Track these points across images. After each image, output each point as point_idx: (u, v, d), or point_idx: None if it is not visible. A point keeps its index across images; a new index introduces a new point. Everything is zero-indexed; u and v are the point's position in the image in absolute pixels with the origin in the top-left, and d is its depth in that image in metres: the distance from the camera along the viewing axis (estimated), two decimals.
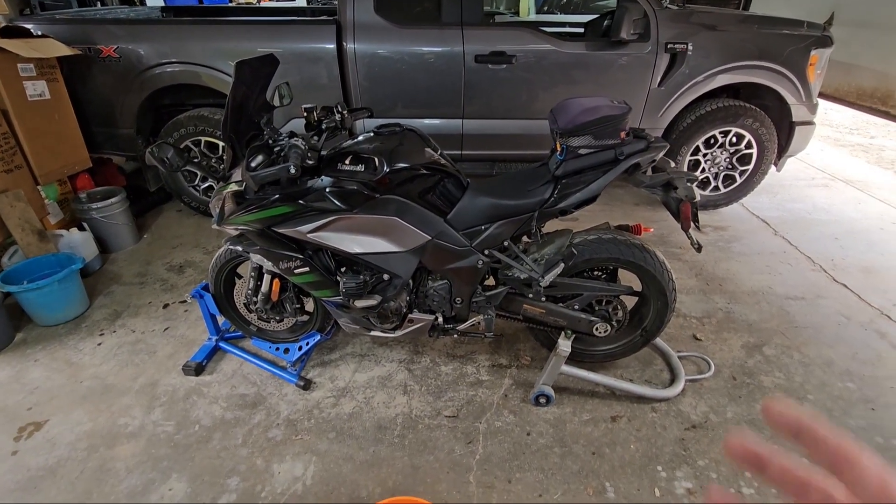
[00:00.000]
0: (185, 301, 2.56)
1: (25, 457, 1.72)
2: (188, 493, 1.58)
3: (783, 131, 3.22)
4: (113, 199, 2.92)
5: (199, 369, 2.06)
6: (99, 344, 2.27)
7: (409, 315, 1.82)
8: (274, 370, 2.05)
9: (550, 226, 1.82)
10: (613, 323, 1.81)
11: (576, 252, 1.67)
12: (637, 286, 1.84)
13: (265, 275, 1.87)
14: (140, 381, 2.05)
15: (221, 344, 2.18)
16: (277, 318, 2.01)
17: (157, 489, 1.59)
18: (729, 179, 3.36)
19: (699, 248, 1.65)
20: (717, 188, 3.38)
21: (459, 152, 3.20)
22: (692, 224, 1.59)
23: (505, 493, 1.57)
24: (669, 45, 2.87)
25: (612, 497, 1.55)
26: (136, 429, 1.82)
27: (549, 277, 1.62)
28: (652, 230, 1.86)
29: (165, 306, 2.53)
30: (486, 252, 1.68)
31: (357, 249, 1.61)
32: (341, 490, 1.59)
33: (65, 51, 2.75)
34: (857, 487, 0.25)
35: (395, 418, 1.85)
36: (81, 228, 2.79)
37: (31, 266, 2.42)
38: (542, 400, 1.87)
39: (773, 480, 0.28)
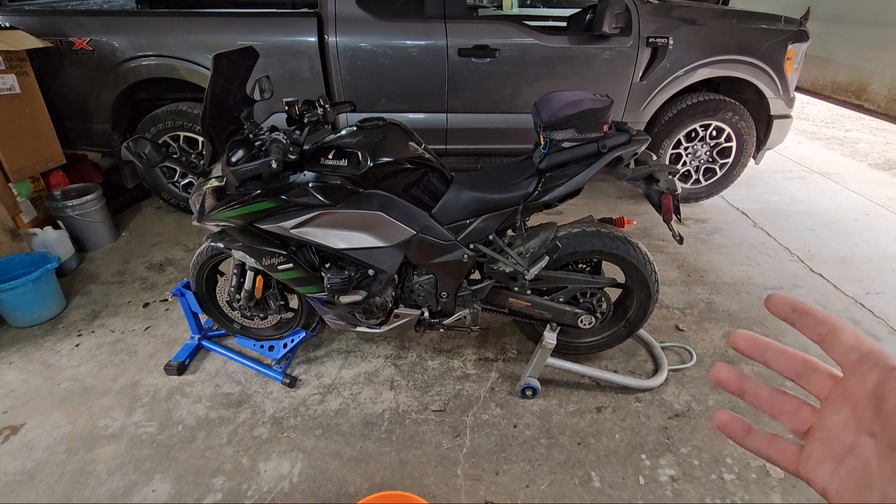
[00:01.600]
0: (165, 300, 2.51)
1: (2, 461, 1.67)
2: (172, 494, 1.55)
3: (762, 125, 3.28)
4: (89, 197, 2.85)
5: (181, 368, 2.03)
6: (77, 345, 2.22)
7: (395, 310, 1.81)
8: (259, 368, 2.02)
9: (535, 219, 1.83)
10: (598, 315, 1.82)
11: (560, 245, 1.68)
12: (621, 278, 1.86)
13: (248, 272, 1.85)
14: (120, 381, 2.01)
15: (204, 342, 2.15)
16: (261, 315, 1.98)
17: (139, 491, 1.57)
18: (709, 172, 3.41)
19: (681, 240, 1.67)
20: (697, 181, 3.43)
21: (444, 146, 3.19)
22: (674, 216, 1.61)
23: (492, 485, 1.58)
24: (651, 40, 2.90)
25: (597, 486, 1.57)
26: (116, 430, 1.79)
27: (534, 271, 1.62)
28: (635, 223, 1.88)
29: (146, 305, 2.48)
30: (472, 246, 1.68)
31: (341, 245, 1.59)
32: (328, 487, 1.58)
33: (35, 43, 2.66)
34: (837, 349, 0.31)
35: (382, 414, 1.85)
36: (56, 227, 2.72)
37: (4, 266, 2.34)
38: (529, 392, 1.88)
39: (749, 400, 0.36)
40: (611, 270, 1.89)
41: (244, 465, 1.65)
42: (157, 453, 1.69)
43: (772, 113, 3.22)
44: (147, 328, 2.32)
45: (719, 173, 3.40)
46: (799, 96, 3.44)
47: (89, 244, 2.95)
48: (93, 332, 2.30)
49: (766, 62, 3.04)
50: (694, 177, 3.41)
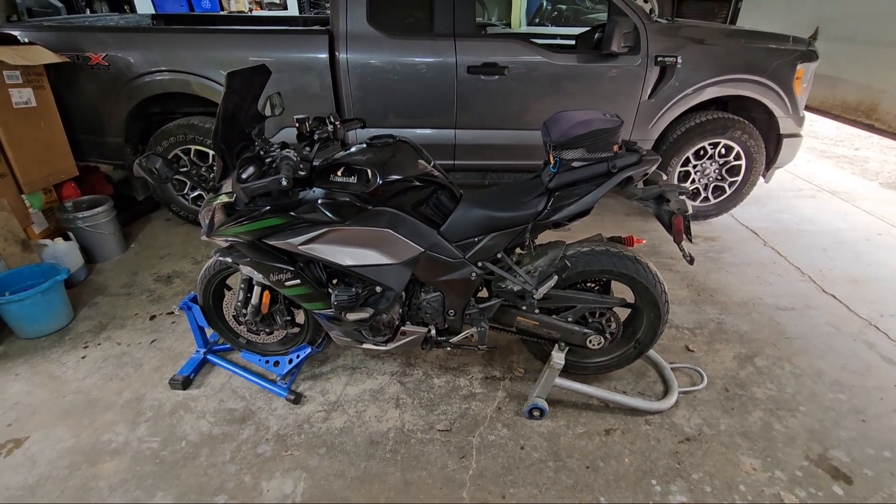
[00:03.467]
0: (172, 313, 2.51)
1: (4, 475, 1.66)
2: None
3: (771, 143, 3.27)
4: (99, 209, 2.87)
5: (186, 383, 2.02)
6: (83, 357, 2.22)
7: (402, 327, 1.80)
8: (263, 384, 2.01)
9: (543, 237, 1.82)
10: (607, 335, 1.80)
11: (569, 264, 1.66)
12: (630, 298, 1.84)
13: (255, 287, 1.85)
14: (125, 395, 2.00)
15: (210, 357, 2.14)
16: (267, 330, 1.97)
17: None
18: (718, 190, 3.40)
19: (691, 261, 1.65)
20: (706, 199, 3.41)
21: (452, 162, 3.20)
22: (684, 237, 1.59)
23: None
24: (659, 58, 2.91)
25: None
26: (120, 445, 1.77)
27: (543, 290, 1.61)
28: (644, 241, 1.87)
29: (152, 318, 2.49)
30: (480, 264, 1.67)
31: (349, 262, 1.59)
32: None
33: (52, 58, 2.71)
34: None
35: (387, 433, 1.82)
36: (66, 238, 2.74)
37: (14, 277, 2.36)
38: (536, 413, 1.85)
39: None
40: (620, 290, 1.87)
41: (247, 483, 1.63)
42: (159, 470, 1.68)
43: (781, 131, 3.20)
44: (153, 341, 2.32)
45: (728, 191, 3.38)
46: (808, 115, 3.43)
47: (98, 255, 2.97)
48: (99, 344, 2.30)
49: (775, 81, 3.04)
50: (703, 195, 3.40)
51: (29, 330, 2.30)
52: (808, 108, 3.54)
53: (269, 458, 1.72)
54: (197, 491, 1.60)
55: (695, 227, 3.43)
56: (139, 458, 1.72)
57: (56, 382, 2.07)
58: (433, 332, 1.83)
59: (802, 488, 1.60)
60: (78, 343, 2.31)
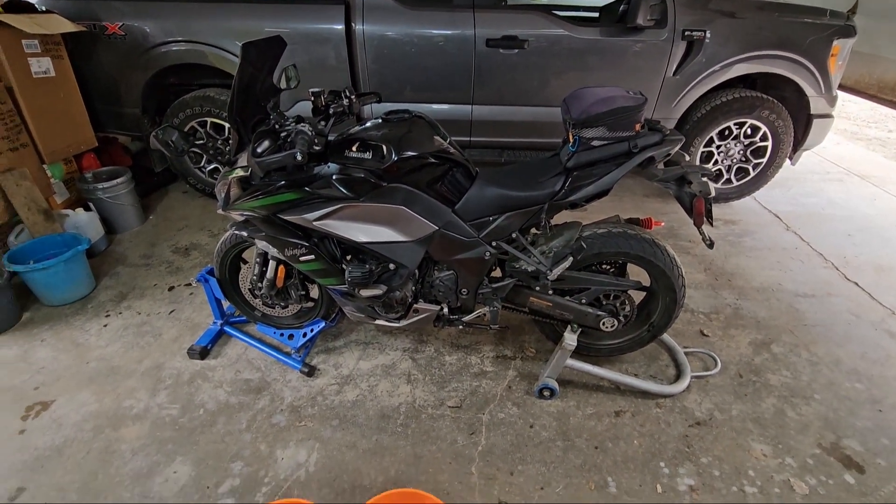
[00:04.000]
0: (190, 284, 2.56)
1: (32, 436, 1.73)
2: (192, 477, 1.59)
3: (800, 124, 3.14)
4: (119, 180, 2.91)
5: (203, 353, 2.07)
6: (105, 325, 2.28)
7: (415, 305, 1.80)
8: (278, 356, 2.05)
9: (559, 217, 1.79)
10: (621, 318, 1.78)
11: (585, 246, 1.64)
12: (646, 281, 1.81)
13: (270, 261, 1.86)
14: (145, 363, 2.06)
15: (226, 328, 2.18)
16: (282, 304, 2.00)
17: (161, 472, 1.61)
18: (742, 172, 3.30)
19: (711, 244, 1.62)
20: (729, 181, 3.32)
21: (468, 139, 3.15)
22: (705, 220, 1.55)
23: (507, 485, 1.57)
24: (686, 33, 2.79)
25: (613, 492, 1.55)
26: (141, 411, 1.84)
27: (557, 271, 1.59)
28: (663, 224, 1.83)
29: (171, 289, 2.54)
30: (494, 243, 1.66)
31: (363, 238, 1.59)
32: (344, 478, 1.59)
33: (70, 27, 2.70)
34: None
35: (398, 407, 1.85)
36: (87, 208, 2.79)
37: (37, 246, 2.42)
38: (546, 393, 1.86)
39: None
40: (636, 272, 1.84)
41: (262, 451, 1.68)
42: (178, 436, 1.74)
43: (812, 112, 3.08)
44: (172, 311, 2.37)
45: (752, 173, 3.28)
46: (840, 94, 3.28)
47: (118, 226, 3.02)
48: (120, 313, 2.36)
49: (809, 58, 2.91)
50: (725, 176, 3.30)
51: (53, 297, 2.37)
52: (841, 86, 3.38)
53: (283, 428, 1.76)
54: (214, 457, 1.66)
55: (715, 209, 3.35)
56: (159, 424, 1.78)
57: (80, 349, 2.14)
58: (446, 310, 1.83)
59: (813, 476, 1.59)
60: (100, 311, 2.37)
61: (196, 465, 1.63)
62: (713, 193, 1.50)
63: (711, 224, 1.56)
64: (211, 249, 2.87)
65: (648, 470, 1.62)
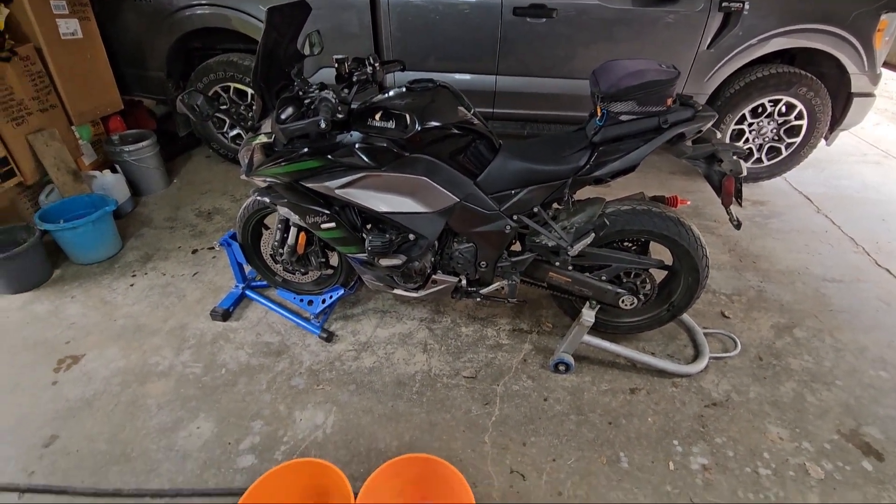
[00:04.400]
0: (213, 248, 2.61)
1: (64, 388, 1.82)
2: (214, 433, 1.65)
3: (839, 102, 3.00)
4: (144, 143, 2.94)
5: (225, 315, 2.12)
6: (131, 285, 2.35)
7: (433, 276, 1.81)
8: (298, 321, 2.09)
9: (583, 193, 1.76)
10: (640, 296, 1.76)
11: (607, 222, 1.61)
12: (668, 259, 1.78)
13: (292, 228, 1.88)
14: (170, 323, 2.12)
15: (248, 292, 2.23)
16: (302, 270, 2.03)
17: (185, 426, 1.68)
18: (773, 152, 3.18)
19: (738, 225, 1.57)
20: (759, 160, 3.21)
21: (491, 110, 3.09)
22: (734, 200, 1.51)
23: (519, 455, 1.60)
24: (724, 4, 2.65)
25: (625, 467, 1.56)
26: (166, 368, 1.90)
27: (578, 247, 1.57)
28: (689, 202, 1.78)
29: (194, 252, 2.59)
30: (515, 217, 1.64)
31: (384, 208, 1.59)
32: (360, 441, 1.64)
33: None
34: None
35: (414, 375, 1.88)
36: (114, 171, 2.84)
37: (67, 206, 2.48)
38: (562, 368, 1.87)
39: None
40: (657, 250, 1.81)
41: (281, 412, 1.73)
42: (201, 393, 1.80)
43: (852, 90, 2.93)
44: (195, 274, 2.42)
45: (784, 153, 3.16)
46: (885, 72, 3.11)
47: (144, 189, 3.07)
48: (146, 273, 2.43)
49: (853, 33, 2.74)
50: (756, 155, 3.19)
51: (82, 256, 2.44)
52: (885, 64, 3.20)
53: (302, 391, 1.81)
54: (236, 415, 1.72)
55: (743, 189, 3.23)
56: (183, 382, 1.85)
57: (107, 307, 2.21)
58: (464, 282, 1.83)
59: (830, 461, 1.58)
60: (126, 271, 2.44)
61: (218, 422, 1.69)
62: (744, 172, 1.45)
63: (740, 204, 1.52)
64: (233, 214, 2.91)
65: (661, 447, 1.62)
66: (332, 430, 1.67)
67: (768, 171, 3.27)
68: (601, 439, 1.65)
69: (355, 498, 1.16)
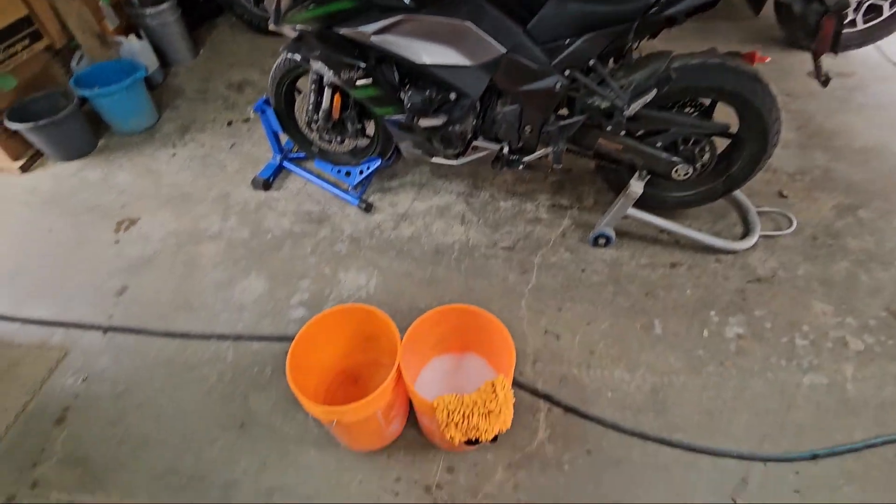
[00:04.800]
0: (247, 119, 2.56)
1: (125, 246, 1.94)
2: (266, 289, 1.76)
3: None
4: (164, 5, 2.77)
5: (266, 185, 2.14)
6: (173, 155, 2.38)
7: (474, 142, 1.73)
8: (336, 192, 2.10)
9: (646, 49, 1.56)
10: (697, 166, 1.64)
11: (673, 76, 1.44)
12: (733, 127, 1.62)
13: (326, 89, 1.79)
14: (214, 191, 2.17)
15: (285, 163, 2.22)
16: (338, 138, 1.97)
17: (239, 283, 1.79)
18: (873, 11, 2.71)
19: (826, 81, 1.38)
20: (853, 22, 2.76)
21: None
22: (829, 48, 1.30)
23: (554, 318, 1.65)
24: None
25: (658, 333, 1.59)
26: (215, 232, 1.98)
27: (636, 106, 1.44)
28: (769, 59, 1.56)
29: (229, 123, 2.55)
30: (567, 73, 1.48)
31: (424, 59, 1.46)
32: (401, 300, 1.72)
33: None
34: None
35: (452, 245, 1.90)
36: (139, 37, 2.72)
37: (99, 72, 2.43)
38: (602, 241, 1.84)
39: None
40: (722, 116, 1.65)
41: (326, 273, 1.81)
42: (251, 254, 1.89)
43: None
44: (232, 145, 2.41)
45: (886, 13, 2.69)
46: None
47: (171, 58, 2.97)
48: (185, 144, 2.44)
49: None
50: (850, 17, 2.74)
51: (122, 125, 2.45)
52: None
53: (344, 256, 1.87)
54: (284, 275, 1.81)
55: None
56: (233, 244, 1.93)
57: (153, 175, 2.26)
58: (506, 149, 1.75)
59: (872, 335, 1.56)
60: (167, 142, 2.45)
61: (269, 280, 1.79)
62: (851, 4, 1.22)
63: (836, 52, 1.31)
64: (263, 86, 2.80)
65: (697, 317, 1.63)
66: (375, 290, 1.75)
67: (860, 38, 2.82)
68: (637, 308, 1.67)
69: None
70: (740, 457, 1.31)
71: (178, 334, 1.63)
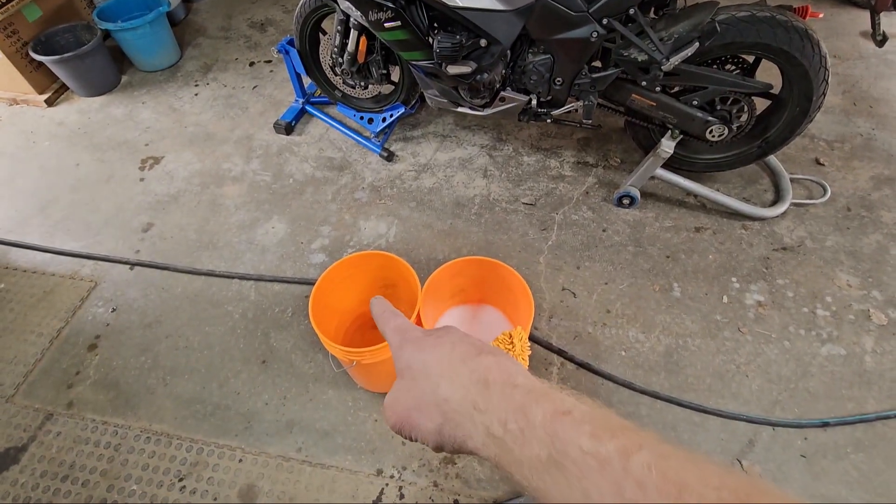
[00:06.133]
0: (270, 61, 2.51)
1: (151, 184, 1.96)
2: (288, 233, 1.78)
3: None
4: None
5: (288, 129, 2.13)
6: (196, 94, 2.35)
7: (502, 93, 1.68)
8: (358, 139, 2.07)
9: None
10: (733, 128, 1.58)
11: (718, 29, 1.36)
12: (776, 87, 1.54)
13: (352, 31, 1.73)
14: (236, 133, 2.16)
15: (308, 107, 2.19)
16: (363, 83, 1.93)
17: (262, 225, 1.81)
18: None
19: (882, 41, 1.30)
20: None
21: None
22: (890, 4, 1.21)
23: (572, 276, 1.65)
24: None
25: (677, 296, 1.59)
26: (238, 174, 1.99)
27: (675, 60, 1.37)
28: (821, 15, 1.46)
29: (251, 64, 2.51)
30: (605, 21, 1.41)
31: (457, 1, 1.40)
32: (420, 250, 1.73)
33: None
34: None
35: (473, 198, 1.89)
36: None
37: (121, 5, 2.38)
38: (626, 201, 1.81)
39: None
40: (764, 76, 1.56)
41: (346, 220, 1.82)
42: (273, 198, 1.90)
43: None
44: (255, 87, 2.38)
45: None
46: None
47: None
48: (207, 84, 2.41)
49: None
50: None
51: (145, 62, 2.42)
52: None
53: (365, 203, 1.87)
54: (305, 220, 1.82)
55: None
56: (255, 187, 1.94)
57: (177, 114, 2.26)
58: (534, 102, 1.69)
59: None
60: (189, 81, 2.43)
61: (290, 224, 1.81)
62: None
63: (895, 8, 1.22)
64: (286, 26, 2.73)
65: (718, 282, 1.62)
66: (395, 239, 1.76)
67: None
68: (656, 270, 1.66)
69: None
70: (749, 420, 1.33)
71: (202, 272, 1.67)
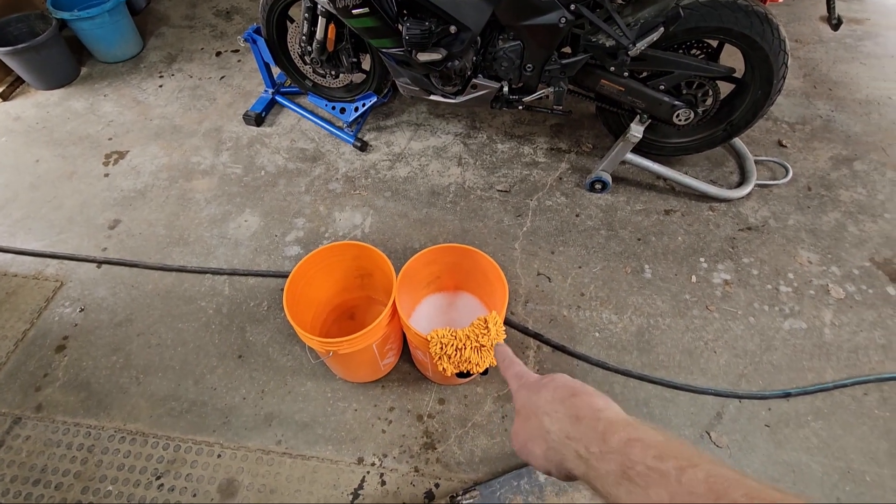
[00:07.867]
0: (237, 50, 2.45)
1: (116, 179, 1.90)
2: (261, 226, 1.76)
3: None
4: None
5: (258, 120, 2.09)
6: (160, 86, 2.29)
7: (474, 80, 1.68)
8: (331, 129, 2.05)
9: None
10: (699, 111, 1.62)
11: (682, 15, 1.38)
12: (738, 71, 1.58)
13: (320, 18, 1.70)
14: (205, 125, 2.11)
15: (278, 97, 2.15)
16: (333, 72, 1.90)
17: (234, 219, 1.78)
18: None
19: (837, 25, 1.35)
20: None
21: None
22: None
23: (547, 261, 1.67)
24: None
25: (648, 277, 1.63)
26: (208, 167, 1.95)
27: (642, 45, 1.39)
28: (782, 0, 1.50)
29: (218, 54, 2.45)
30: (573, 7, 1.42)
31: None
32: (396, 240, 1.73)
33: None
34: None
35: (448, 186, 1.89)
36: None
37: None
38: (598, 186, 1.84)
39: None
40: (728, 60, 1.60)
41: (321, 212, 1.80)
42: (245, 191, 1.87)
43: None
44: (222, 77, 2.32)
45: None
46: None
47: None
48: (172, 75, 2.34)
49: None
50: None
51: (106, 53, 2.34)
52: None
53: (339, 194, 1.86)
54: (279, 212, 1.80)
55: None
56: (226, 180, 1.90)
57: (141, 107, 2.19)
58: (506, 89, 1.70)
59: (854, 284, 1.61)
60: (153, 72, 2.35)
61: (264, 217, 1.79)
62: None
63: None
64: (253, 14, 2.66)
65: (687, 263, 1.67)
66: (370, 229, 1.76)
67: None
68: (628, 252, 1.69)
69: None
70: (716, 394, 1.38)
71: (173, 268, 1.64)
